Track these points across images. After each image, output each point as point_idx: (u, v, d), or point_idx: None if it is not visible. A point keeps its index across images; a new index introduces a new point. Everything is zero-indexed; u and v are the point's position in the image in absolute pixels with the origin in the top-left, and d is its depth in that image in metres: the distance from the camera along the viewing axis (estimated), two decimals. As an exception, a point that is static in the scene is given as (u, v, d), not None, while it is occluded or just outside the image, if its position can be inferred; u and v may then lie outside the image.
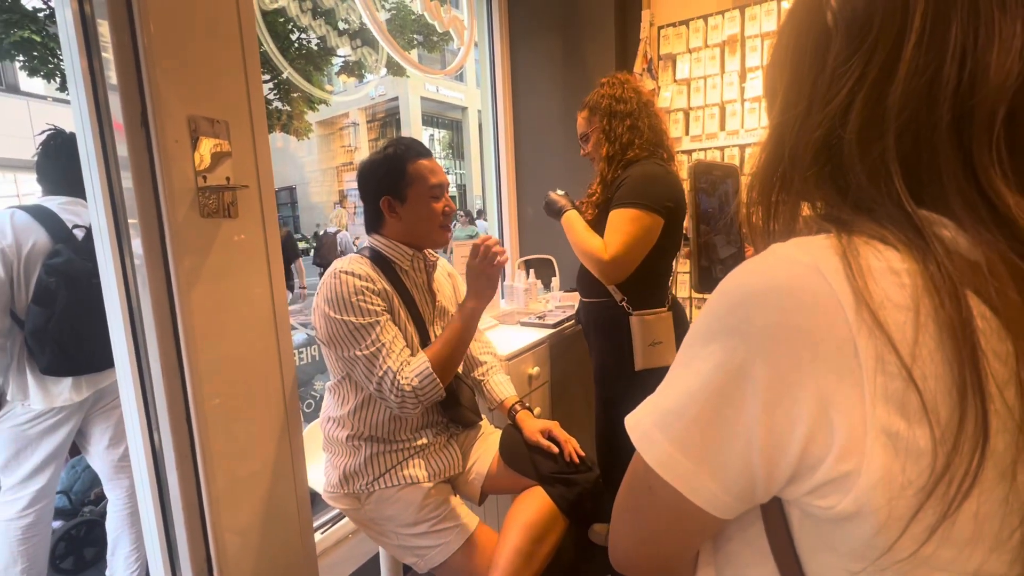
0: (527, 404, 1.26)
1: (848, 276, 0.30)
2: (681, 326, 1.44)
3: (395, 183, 1.12)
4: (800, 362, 0.30)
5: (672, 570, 0.45)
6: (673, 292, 1.47)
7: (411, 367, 1.03)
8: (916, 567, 0.31)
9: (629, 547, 0.43)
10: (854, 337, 0.29)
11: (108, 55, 0.87)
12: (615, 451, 1.49)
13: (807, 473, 0.32)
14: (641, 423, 0.38)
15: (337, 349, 1.04)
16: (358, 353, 1.02)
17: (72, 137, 1.54)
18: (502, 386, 1.28)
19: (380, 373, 1.01)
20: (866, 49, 0.34)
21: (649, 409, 0.38)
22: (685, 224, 1.42)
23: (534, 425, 1.18)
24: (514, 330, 1.79)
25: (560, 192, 1.52)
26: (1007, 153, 0.30)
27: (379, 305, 1.05)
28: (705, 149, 1.98)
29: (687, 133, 2.02)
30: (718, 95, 1.93)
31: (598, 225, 1.36)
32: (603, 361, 1.49)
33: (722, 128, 1.94)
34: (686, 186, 0.61)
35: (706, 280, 0.63)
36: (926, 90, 0.32)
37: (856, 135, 0.34)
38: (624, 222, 1.28)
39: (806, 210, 0.40)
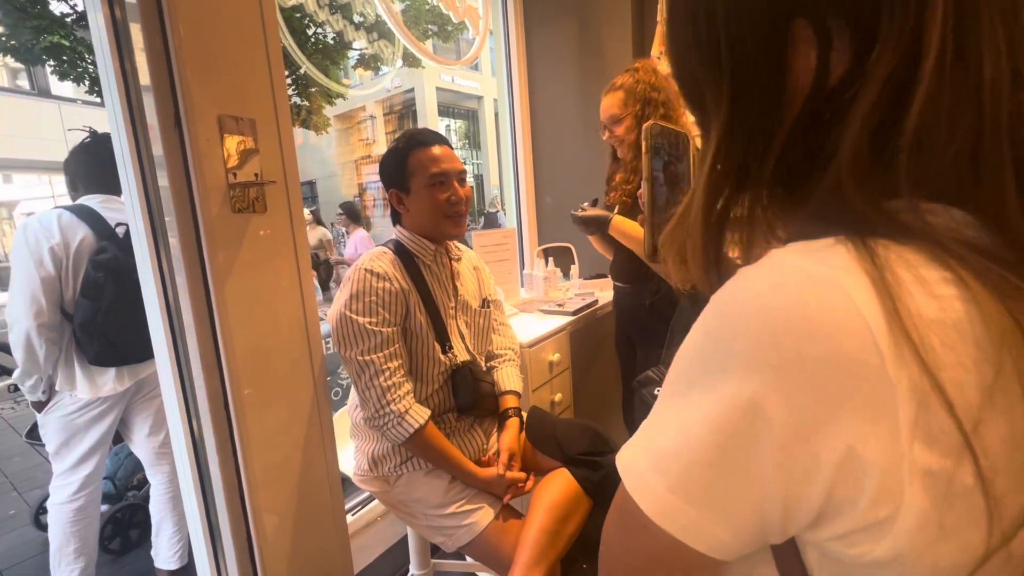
0: (521, 413, 1.24)
1: (878, 289, 0.25)
2: None
3: (399, 175, 1.14)
4: (822, 396, 0.26)
5: None
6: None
7: (412, 406, 1.06)
8: None
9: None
10: (886, 365, 0.25)
11: (140, 58, 0.91)
12: None
13: (832, 517, 0.28)
14: (635, 466, 0.33)
15: (339, 346, 1.07)
16: (350, 354, 1.05)
17: (104, 137, 1.60)
18: (509, 378, 1.27)
19: (366, 380, 1.05)
20: (877, 56, 0.27)
21: (642, 448, 0.33)
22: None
23: (506, 440, 1.17)
24: (534, 318, 1.81)
25: (585, 205, 1.48)
26: None
27: (393, 310, 1.07)
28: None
29: (707, 116, 1.99)
30: (738, 76, 1.89)
31: (635, 213, 1.37)
32: (657, 346, 1.44)
33: (743, 109, 1.91)
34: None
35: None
36: (971, 131, 0.26)
37: (858, 182, 0.28)
38: None
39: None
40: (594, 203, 1.64)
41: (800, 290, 0.27)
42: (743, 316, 0.29)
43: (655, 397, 0.57)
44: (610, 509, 0.38)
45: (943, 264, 0.26)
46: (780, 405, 0.27)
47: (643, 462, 0.32)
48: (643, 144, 0.58)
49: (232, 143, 0.92)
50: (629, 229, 1.41)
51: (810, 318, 0.26)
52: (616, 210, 1.46)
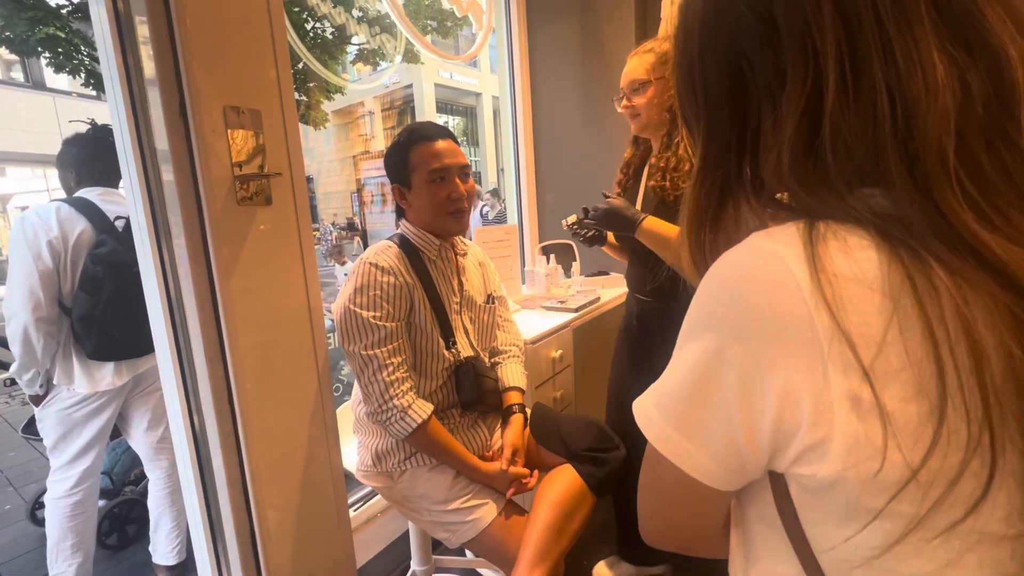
0: (525, 409, 1.23)
1: (807, 258, 0.32)
2: None
3: (402, 170, 1.13)
4: (767, 342, 0.33)
5: (692, 542, 0.48)
6: None
7: (415, 401, 1.06)
8: (915, 530, 0.31)
9: (648, 518, 0.47)
10: (811, 314, 0.31)
11: (143, 50, 0.90)
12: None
13: (785, 444, 0.34)
14: (644, 403, 0.41)
15: (343, 340, 1.07)
16: (354, 348, 1.05)
17: (100, 128, 1.59)
18: (513, 375, 1.26)
19: (369, 375, 1.05)
20: (787, 98, 0.35)
21: (651, 391, 0.41)
22: None
23: (510, 436, 1.16)
24: (537, 314, 1.81)
25: (612, 197, 1.27)
26: (975, 189, 0.30)
27: (397, 305, 1.07)
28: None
29: (709, 114, 1.99)
30: (741, 74, 1.89)
31: (675, 210, 1.16)
32: None
33: (745, 108, 1.91)
34: None
35: None
36: (870, 140, 0.32)
37: (799, 183, 0.36)
38: None
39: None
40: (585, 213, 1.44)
41: (751, 261, 0.35)
42: (715, 284, 0.37)
43: None
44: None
45: (866, 234, 0.32)
46: (738, 350, 0.34)
47: (649, 401, 0.41)
48: None
49: (238, 135, 0.91)
50: (663, 230, 1.15)
51: (755, 281, 0.34)
52: (653, 204, 1.25)
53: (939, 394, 0.29)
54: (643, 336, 1.40)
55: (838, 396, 0.31)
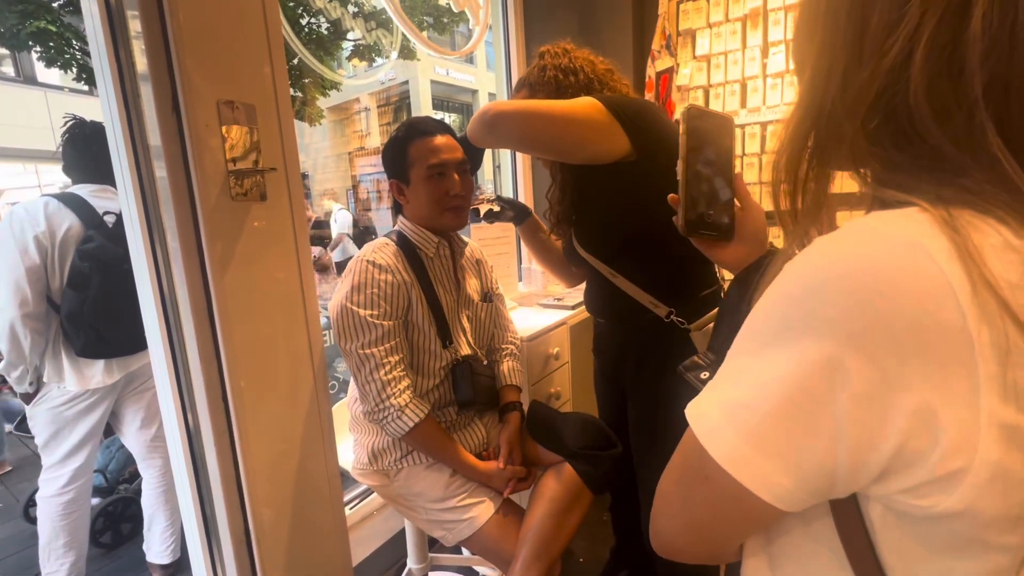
0: (522, 407, 1.24)
1: (961, 254, 0.26)
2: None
3: (400, 165, 1.12)
4: (901, 354, 0.27)
5: (717, 556, 0.44)
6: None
7: (412, 400, 1.05)
8: None
9: (676, 533, 0.42)
10: (968, 324, 0.26)
11: (136, 45, 0.88)
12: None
13: (902, 470, 0.29)
14: (708, 416, 0.35)
15: (340, 339, 1.06)
16: (350, 347, 1.04)
17: (94, 125, 1.57)
18: (510, 373, 1.27)
19: (366, 374, 1.04)
20: None
21: (716, 400, 0.35)
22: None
23: (507, 434, 1.17)
24: (534, 312, 1.81)
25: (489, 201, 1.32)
26: None
27: (395, 303, 1.06)
28: (725, 127, 1.95)
29: (706, 111, 1.99)
30: (739, 71, 1.89)
31: (570, 244, 1.18)
32: (656, 394, 1.10)
33: (743, 105, 1.91)
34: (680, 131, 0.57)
35: (695, 224, 0.59)
36: (1006, 47, 0.27)
37: (925, 96, 0.30)
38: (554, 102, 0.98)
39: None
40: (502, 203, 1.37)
41: (885, 254, 0.28)
42: (820, 277, 0.30)
43: (703, 382, 0.55)
44: (667, 467, 0.40)
45: (1003, 226, 0.27)
46: (860, 363, 0.28)
47: (716, 414, 0.34)
48: (680, 126, 0.59)
49: (232, 130, 0.90)
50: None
51: (895, 280, 0.27)
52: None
53: None
54: (601, 359, 1.33)
55: (988, 424, 0.26)
